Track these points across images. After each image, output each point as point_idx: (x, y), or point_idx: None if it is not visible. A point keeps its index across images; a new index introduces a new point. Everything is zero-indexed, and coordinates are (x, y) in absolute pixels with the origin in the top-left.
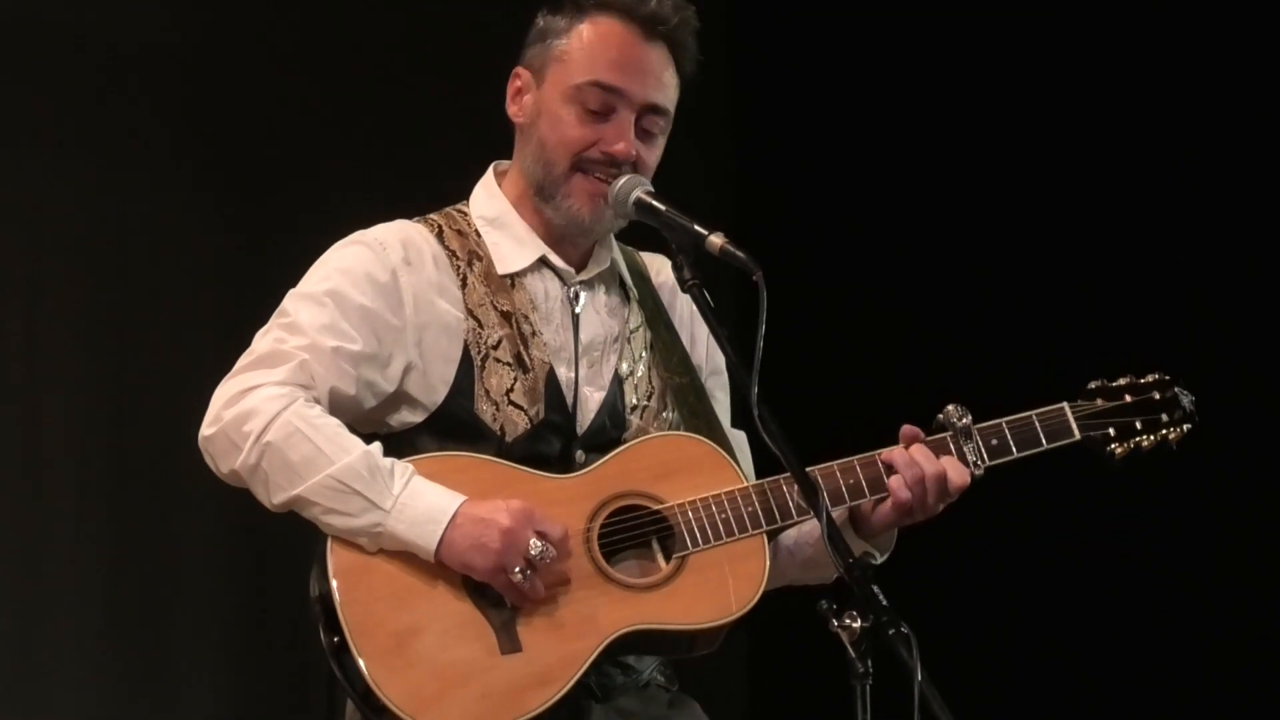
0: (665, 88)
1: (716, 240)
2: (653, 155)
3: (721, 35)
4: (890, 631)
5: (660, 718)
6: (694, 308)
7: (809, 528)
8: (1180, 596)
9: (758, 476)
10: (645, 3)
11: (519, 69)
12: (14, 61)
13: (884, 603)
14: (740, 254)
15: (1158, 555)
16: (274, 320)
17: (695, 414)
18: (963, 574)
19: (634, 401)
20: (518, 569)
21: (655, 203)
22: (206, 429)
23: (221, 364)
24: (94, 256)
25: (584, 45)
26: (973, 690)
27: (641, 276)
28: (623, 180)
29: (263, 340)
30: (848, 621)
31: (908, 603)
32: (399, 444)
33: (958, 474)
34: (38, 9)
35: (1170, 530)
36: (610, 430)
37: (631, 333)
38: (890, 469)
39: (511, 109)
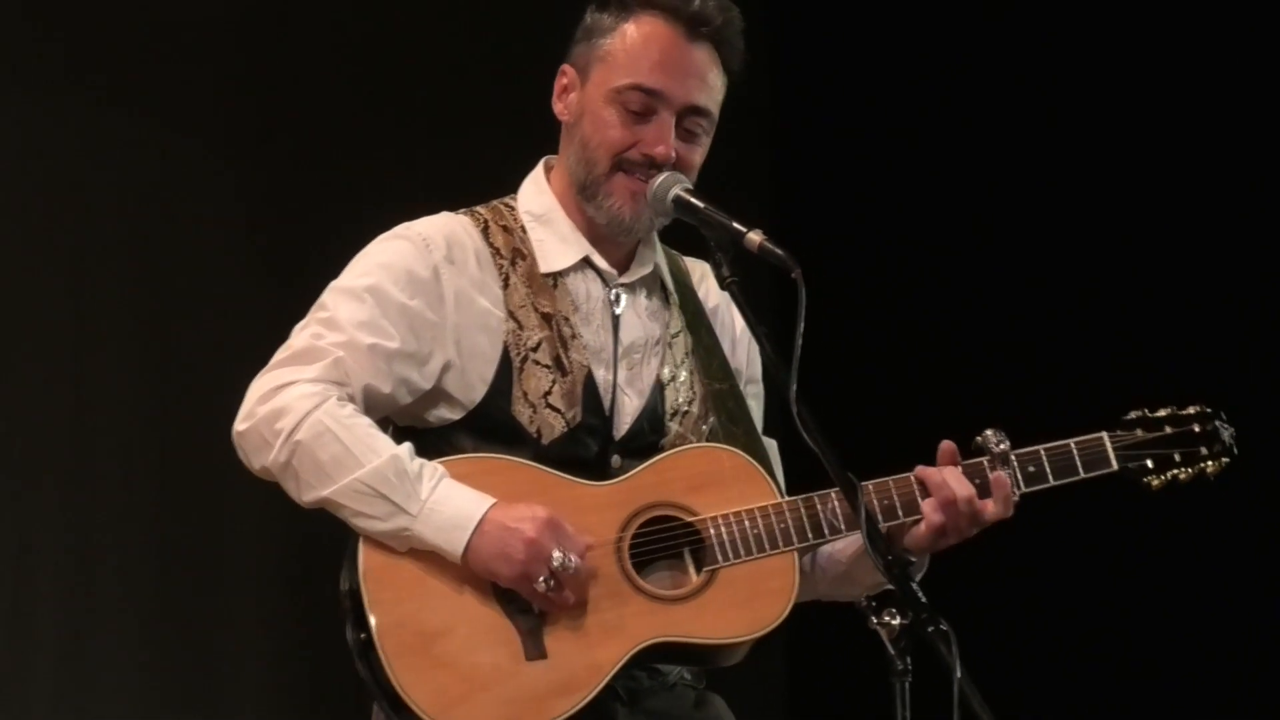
0: (709, 88)
1: (755, 237)
2: (695, 155)
3: (761, 37)
4: (929, 629)
5: (687, 717)
6: (735, 312)
7: (841, 544)
8: (1221, 600)
9: (796, 478)
10: (690, 2)
11: (566, 66)
12: (60, 55)
13: (923, 600)
14: (779, 251)
15: (1198, 554)
16: (312, 314)
17: (733, 420)
18: (1001, 570)
19: (674, 407)
20: (542, 579)
21: (694, 200)
22: (240, 424)
23: (267, 354)
24: (140, 246)
25: (627, 46)
26: (1012, 687)
27: (684, 280)
28: (661, 178)
29: (300, 335)
30: (887, 619)
31: (946, 600)
32: (436, 441)
33: (1003, 507)
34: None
35: (1211, 533)
36: (649, 435)
37: (673, 337)
38: (924, 490)
39: (558, 106)
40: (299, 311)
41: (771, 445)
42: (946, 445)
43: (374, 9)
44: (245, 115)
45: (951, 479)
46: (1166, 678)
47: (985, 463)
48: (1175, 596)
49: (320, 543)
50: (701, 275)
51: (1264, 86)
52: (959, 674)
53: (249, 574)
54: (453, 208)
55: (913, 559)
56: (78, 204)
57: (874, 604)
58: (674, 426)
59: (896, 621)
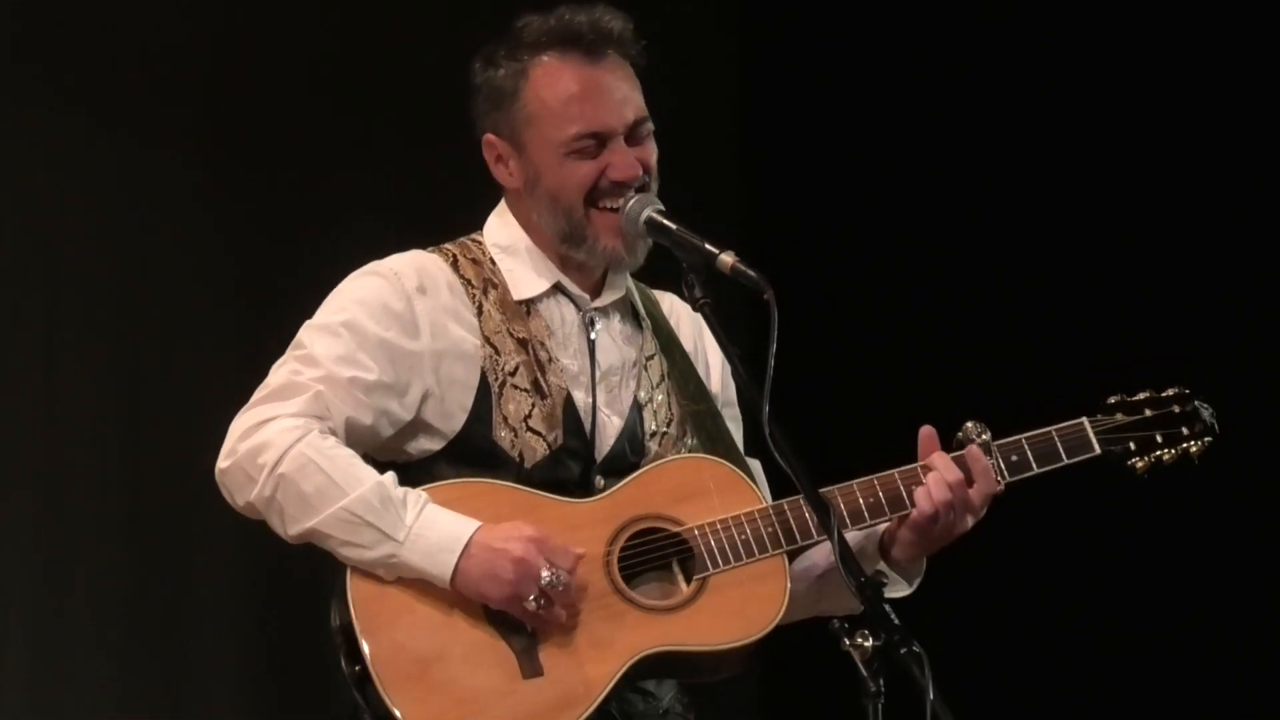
0: (633, 94)
1: (727, 259)
2: (651, 156)
3: (735, 54)
4: (902, 650)
5: None
6: (706, 337)
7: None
8: (1198, 613)
9: (775, 500)
10: (572, 27)
11: (490, 137)
12: (35, 73)
13: (896, 621)
14: (751, 273)
15: (1175, 572)
16: (290, 353)
17: (714, 439)
18: (974, 591)
19: (654, 428)
20: (532, 597)
21: (666, 221)
22: (222, 462)
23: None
24: (114, 271)
25: (546, 102)
26: (985, 708)
27: (653, 309)
28: (631, 202)
29: (278, 373)
30: (860, 640)
31: (919, 621)
32: (418, 472)
33: (986, 483)
34: (62, 25)
35: (1188, 549)
36: (630, 456)
37: (648, 360)
38: (911, 485)
39: (502, 177)
40: (272, 324)
41: (755, 465)
42: (926, 430)
43: (353, 31)
44: (221, 133)
45: (940, 464)
46: (1147, 698)
47: (967, 453)
48: (1157, 614)
49: (294, 551)
50: (670, 305)
51: (1207, 64)
52: (931, 695)
53: (222, 583)
54: (433, 230)
55: (885, 580)
56: (50, 221)
57: (847, 625)
58: (653, 447)
59: (869, 643)
